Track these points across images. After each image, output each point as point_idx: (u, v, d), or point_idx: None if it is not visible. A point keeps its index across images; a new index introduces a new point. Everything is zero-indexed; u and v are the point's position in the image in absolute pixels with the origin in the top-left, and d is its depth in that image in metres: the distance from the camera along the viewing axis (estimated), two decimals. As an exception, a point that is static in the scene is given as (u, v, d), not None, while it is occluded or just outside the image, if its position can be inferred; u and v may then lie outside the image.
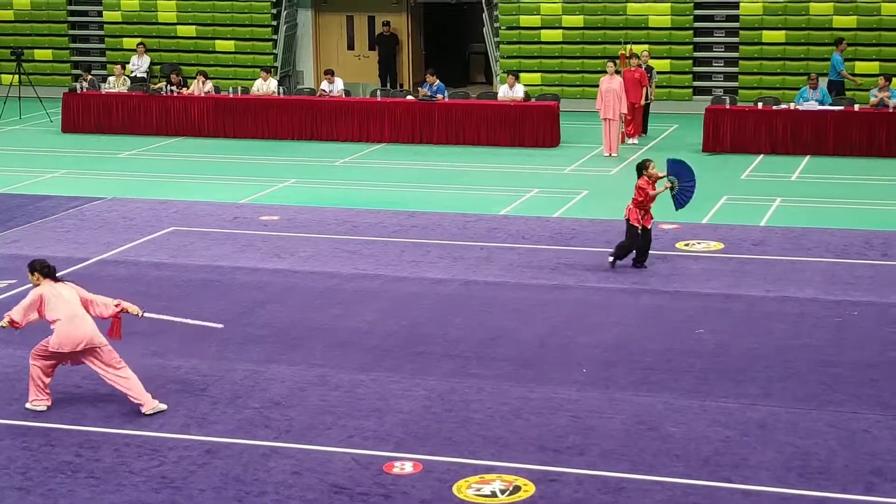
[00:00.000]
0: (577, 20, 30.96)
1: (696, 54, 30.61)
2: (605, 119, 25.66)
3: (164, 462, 11.17)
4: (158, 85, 29.52)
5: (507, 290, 16.30)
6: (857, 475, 10.74)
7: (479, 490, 10.58)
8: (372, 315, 15.29)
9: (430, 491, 10.56)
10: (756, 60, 29.94)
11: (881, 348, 13.90)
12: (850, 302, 15.55)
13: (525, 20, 31.29)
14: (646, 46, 29.45)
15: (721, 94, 28.21)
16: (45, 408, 12.34)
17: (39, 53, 34.70)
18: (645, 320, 15.00)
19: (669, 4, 30.44)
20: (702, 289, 16.18)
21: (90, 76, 30.24)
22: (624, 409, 12.26)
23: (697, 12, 30.50)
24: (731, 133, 25.72)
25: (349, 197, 22.05)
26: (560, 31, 31.11)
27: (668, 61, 30.37)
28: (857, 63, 28.54)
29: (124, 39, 33.75)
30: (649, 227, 16.99)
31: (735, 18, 30.27)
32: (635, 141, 26.88)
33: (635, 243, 16.93)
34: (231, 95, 28.48)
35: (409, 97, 28.02)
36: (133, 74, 31.72)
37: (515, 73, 27.80)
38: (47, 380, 12.34)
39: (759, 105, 25.90)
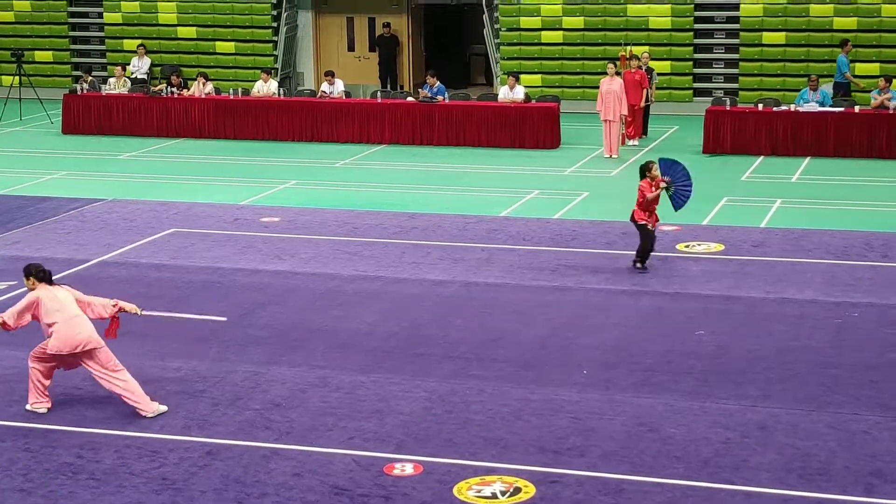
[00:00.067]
0: (578, 21, 30.97)
1: (697, 56, 30.61)
2: (605, 120, 25.66)
3: (164, 464, 11.17)
4: (159, 86, 29.53)
5: (508, 291, 16.30)
6: (857, 476, 10.75)
7: (479, 491, 10.58)
8: (372, 316, 15.30)
9: (430, 492, 10.56)
10: (756, 62, 29.94)
11: (881, 350, 13.91)
12: (850, 303, 15.56)
13: (525, 21, 31.29)
14: (646, 48, 29.46)
15: (721, 95, 28.21)
16: (45, 410, 12.35)
17: (40, 55, 34.70)
18: (645, 322, 15.00)
19: (670, 6, 30.45)
20: (702, 290, 16.19)
21: (91, 77, 30.24)
22: (624, 410, 12.27)
23: (698, 14, 30.50)
24: (731, 134, 25.72)
25: (350, 198, 22.06)
26: (560, 32, 31.11)
27: (668, 63, 30.37)
28: (857, 64, 28.52)
29: (125, 41, 33.76)
30: (652, 228, 16.94)
31: (735, 20, 30.27)
32: (635, 142, 26.88)
33: (651, 240, 16.85)
34: (231, 97, 28.48)
35: (410, 98, 28.03)
36: (133, 76, 31.75)
37: (516, 75, 27.80)
38: (46, 382, 12.36)
39: (760, 106, 25.90)
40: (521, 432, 11.77)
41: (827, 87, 27.38)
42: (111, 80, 30.23)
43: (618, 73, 26.10)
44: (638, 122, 27.11)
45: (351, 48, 33.86)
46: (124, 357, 12.80)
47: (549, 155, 26.07)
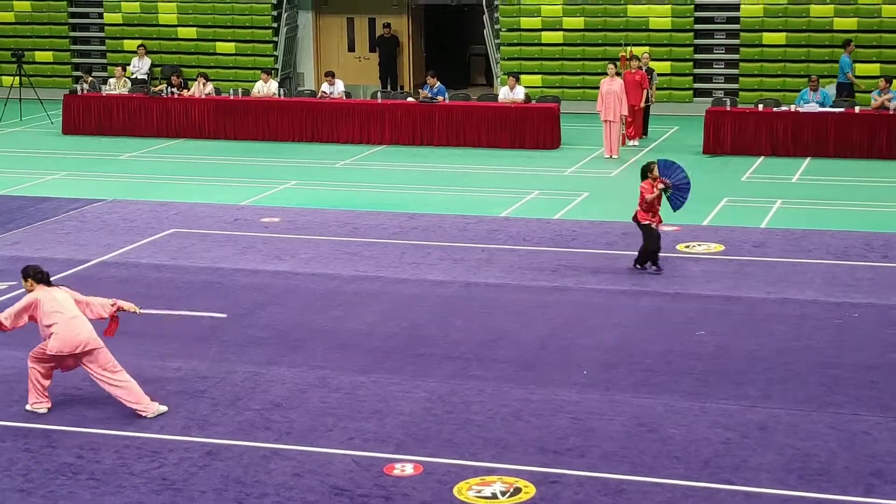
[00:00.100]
0: (578, 22, 30.97)
1: (697, 56, 30.62)
2: (605, 121, 25.66)
3: (164, 464, 11.17)
4: (159, 87, 29.54)
5: (508, 291, 16.30)
6: (858, 477, 10.74)
7: (479, 492, 10.58)
8: (372, 317, 15.29)
9: (430, 493, 10.56)
10: (756, 62, 29.94)
11: (881, 350, 13.90)
12: (850, 304, 15.55)
13: (525, 22, 31.30)
14: (646, 48, 29.47)
15: (721, 95, 28.21)
16: (45, 410, 12.35)
17: (40, 55, 34.72)
18: (645, 322, 15.00)
19: (670, 6, 30.45)
20: (702, 291, 16.18)
21: (91, 78, 30.24)
22: (624, 410, 12.26)
23: (698, 14, 30.51)
24: (731, 135, 25.72)
25: (350, 199, 22.05)
26: (561, 32, 31.12)
27: (668, 63, 30.37)
28: (857, 65, 28.49)
29: (125, 41, 33.77)
30: (656, 227, 16.90)
31: (735, 20, 30.28)
32: (636, 143, 26.88)
33: (655, 240, 16.82)
34: (232, 97, 28.48)
35: (410, 99, 28.03)
36: (134, 76, 31.76)
37: (516, 75, 27.80)
38: (46, 382, 12.35)
39: (760, 107, 25.90)
40: (521, 432, 11.76)
41: (830, 88, 27.41)
42: (111, 80, 30.24)
43: (618, 74, 26.10)
44: (638, 123, 27.11)
45: (351, 49, 33.86)
46: (124, 357, 12.81)
47: (550, 155, 26.07)
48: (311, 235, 19.27)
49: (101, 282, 16.58)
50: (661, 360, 13.66)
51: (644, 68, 27.20)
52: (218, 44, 33.24)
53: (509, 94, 27.18)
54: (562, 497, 10.45)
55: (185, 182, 23.79)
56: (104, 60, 34.20)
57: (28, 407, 12.38)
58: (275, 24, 32.95)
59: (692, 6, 30.40)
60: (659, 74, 28.78)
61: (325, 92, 28.35)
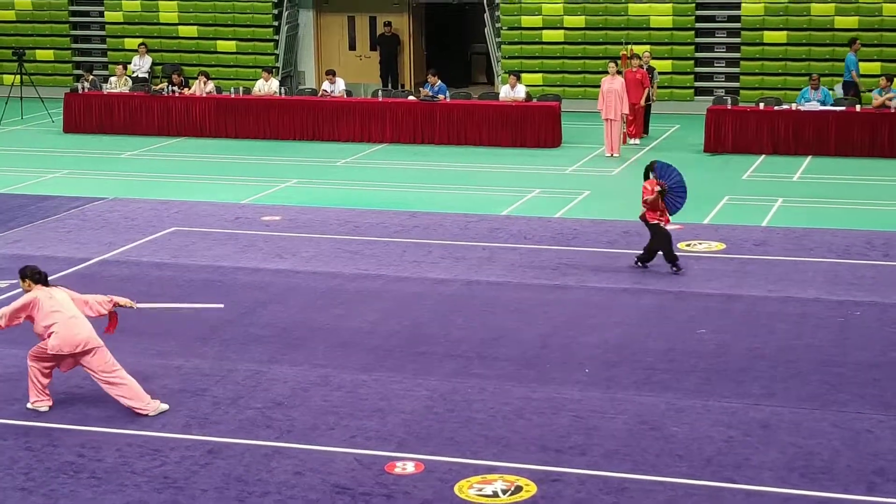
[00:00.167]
0: (579, 20, 30.97)
1: (698, 55, 30.62)
2: (606, 119, 25.65)
3: (166, 462, 11.16)
4: (160, 85, 29.53)
5: (509, 290, 16.29)
6: (860, 475, 10.73)
7: (480, 490, 10.57)
8: (374, 315, 15.29)
9: (431, 491, 10.55)
10: (757, 61, 29.94)
11: (884, 348, 13.89)
12: (852, 302, 15.55)
13: (526, 20, 31.29)
14: (647, 47, 29.46)
15: (722, 94, 28.21)
16: (46, 408, 12.34)
17: (41, 54, 34.72)
18: (647, 320, 14.99)
19: (671, 5, 30.45)
20: (703, 289, 16.17)
21: (92, 76, 30.25)
22: (626, 409, 12.25)
23: (699, 13, 30.51)
24: (732, 133, 25.72)
25: (351, 197, 22.05)
26: (562, 31, 31.12)
27: (669, 62, 30.37)
28: (858, 64, 28.48)
29: (126, 40, 33.77)
30: (665, 226, 16.85)
31: (736, 19, 30.27)
32: (637, 141, 26.88)
33: (664, 239, 16.77)
34: (232, 96, 28.49)
35: (411, 97, 28.02)
36: (135, 75, 31.76)
37: (517, 74, 27.80)
38: (45, 381, 12.35)
39: (761, 105, 25.90)
40: (523, 431, 11.76)
41: (837, 88, 27.42)
42: (112, 78, 30.25)
43: (619, 72, 26.10)
44: (639, 122, 27.10)
45: (352, 47, 33.86)
46: (125, 356, 12.81)
47: (551, 154, 26.06)
48: (312, 234, 19.26)
49: (103, 280, 16.58)
50: (663, 358, 13.65)
51: (645, 67, 27.20)
52: (219, 42, 33.25)
53: (510, 92, 27.17)
54: (563, 495, 10.44)
55: (186, 180, 23.79)
56: (105, 59, 34.20)
57: (29, 405, 12.38)
58: (276, 23, 32.95)
59: (693, 5, 30.40)
60: (660, 73, 28.78)
61: (325, 90, 28.34)
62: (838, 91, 27.25)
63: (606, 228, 19.33)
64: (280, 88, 28.75)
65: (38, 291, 12.20)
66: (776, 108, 25.81)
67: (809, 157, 25.08)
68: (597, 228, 19.40)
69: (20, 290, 12.44)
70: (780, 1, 29.80)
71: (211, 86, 28.84)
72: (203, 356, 13.87)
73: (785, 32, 29.79)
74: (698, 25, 30.54)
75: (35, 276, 12.28)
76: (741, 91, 29.67)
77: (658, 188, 16.70)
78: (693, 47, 30.55)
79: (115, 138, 28.30)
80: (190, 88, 29.02)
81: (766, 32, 29.92)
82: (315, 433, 11.76)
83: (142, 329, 14.41)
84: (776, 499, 10.35)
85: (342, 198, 22.00)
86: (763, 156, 25.29)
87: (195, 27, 33.39)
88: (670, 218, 16.92)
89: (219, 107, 28.29)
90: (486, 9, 31.81)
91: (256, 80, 29.56)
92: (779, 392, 12.63)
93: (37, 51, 34.57)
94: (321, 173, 24.37)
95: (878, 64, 28.71)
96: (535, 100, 27.63)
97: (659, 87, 28.61)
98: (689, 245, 18.20)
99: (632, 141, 26.80)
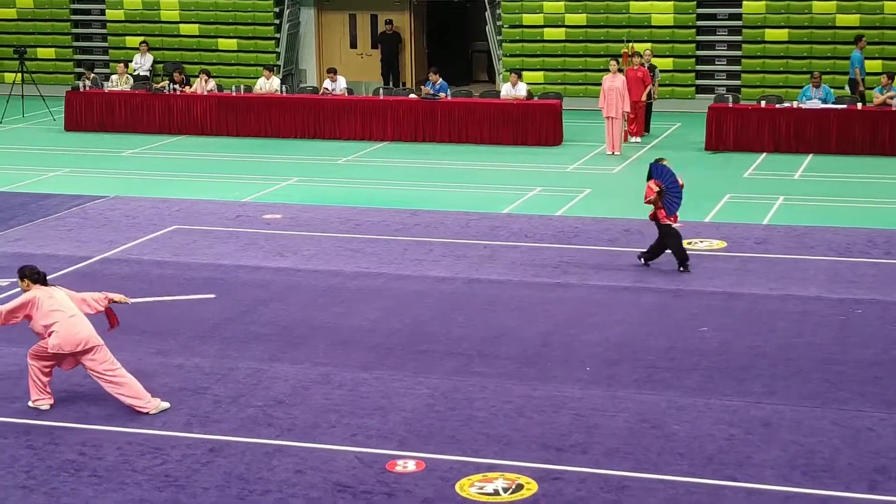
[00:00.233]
0: (580, 18, 30.95)
1: (699, 53, 30.60)
2: (607, 117, 25.64)
3: (167, 460, 11.16)
4: (161, 83, 29.53)
5: (510, 288, 16.29)
6: (862, 473, 10.73)
7: (481, 488, 10.57)
8: (375, 313, 15.28)
9: (432, 489, 10.55)
10: (759, 59, 29.93)
11: (885, 346, 13.89)
12: (853, 300, 15.54)
13: (528, 18, 31.28)
14: (648, 45, 29.44)
15: (724, 92, 28.20)
16: (48, 406, 12.34)
17: (42, 52, 34.71)
18: (648, 318, 14.99)
19: (672, 3, 30.43)
20: (705, 287, 16.17)
21: (93, 74, 30.23)
22: (627, 407, 12.25)
23: (700, 11, 30.48)
24: (733, 131, 25.70)
25: (352, 195, 22.05)
26: (563, 29, 31.10)
27: (670, 60, 30.36)
28: (864, 61, 28.44)
29: (127, 38, 33.76)
30: (677, 226, 16.83)
31: (738, 17, 30.26)
32: (638, 139, 26.87)
33: (675, 240, 16.75)
34: (234, 94, 28.48)
35: (412, 95, 28.01)
36: (136, 73, 31.75)
37: (518, 72, 27.79)
38: (46, 379, 12.36)
39: (762, 103, 25.88)
40: (524, 429, 11.75)
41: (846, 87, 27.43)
42: (113, 76, 30.25)
43: (620, 70, 26.09)
44: (640, 120, 27.09)
45: (353, 45, 33.85)
46: (126, 354, 12.82)
47: (552, 152, 26.05)
48: (313, 232, 19.26)
49: (104, 278, 16.58)
50: (664, 356, 13.64)
51: (646, 65, 27.19)
52: (220, 40, 33.24)
53: (511, 90, 27.16)
54: (564, 493, 10.44)
55: (188, 179, 23.79)
56: (106, 57, 34.19)
57: (30, 403, 12.38)
58: (277, 21, 32.94)
59: (694, 2, 30.38)
60: (661, 71, 28.77)
61: (327, 88, 28.33)
62: (848, 90, 27.19)
63: (607, 226, 19.33)
64: (281, 86, 28.74)
65: (37, 291, 12.20)
66: (777, 106, 25.80)
67: (811, 156, 25.07)
68: (598, 226, 19.40)
69: (20, 289, 12.44)
70: (782, -1, 29.82)
71: (212, 84, 28.84)
72: (204, 354, 13.87)
73: (786, 30, 29.77)
74: (699, 23, 30.52)
75: (34, 275, 12.29)
76: (742, 89, 29.65)
77: (656, 188, 16.70)
78: (694, 45, 30.53)
79: (117, 136, 28.30)
80: (191, 86, 29.02)
81: (767, 30, 29.90)
82: (316, 431, 11.76)
83: (143, 327, 14.41)
84: (777, 497, 10.35)
85: (343, 196, 21.99)
86: (764, 154, 25.28)
87: (196, 25, 33.38)
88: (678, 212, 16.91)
89: (220, 105, 28.29)
90: (488, 7, 31.80)
91: (258, 78, 29.55)
92: (780, 390, 12.62)
93: (38, 49, 34.56)
94: (322, 171, 24.37)
95: (880, 62, 28.69)
96: (536, 98, 27.62)
97: (660, 85, 28.60)
98: (690, 243, 18.17)
99: (633, 139, 26.79)
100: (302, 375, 13.21)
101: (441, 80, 27.55)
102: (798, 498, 10.33)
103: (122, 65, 30.56)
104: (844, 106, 25.47)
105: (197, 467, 11.02)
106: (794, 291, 15.90)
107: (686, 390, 12.65)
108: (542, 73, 31.05)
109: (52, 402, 12.39)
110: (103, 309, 12.55)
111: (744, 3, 30.05)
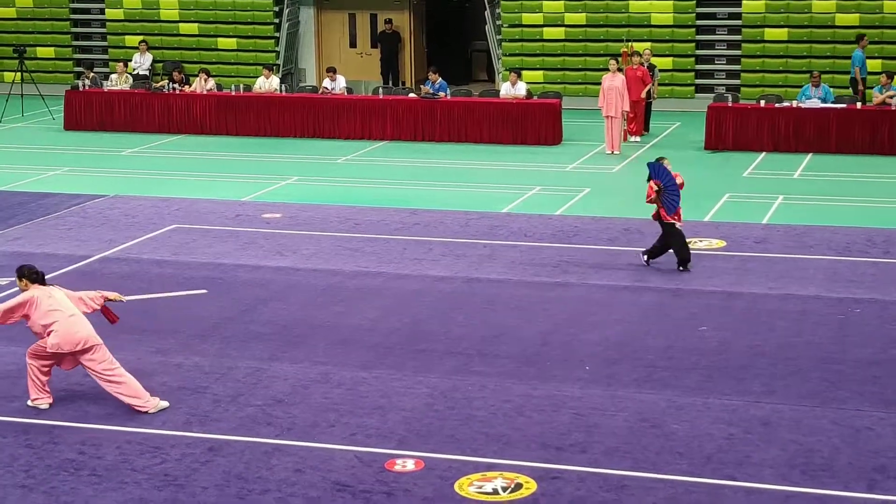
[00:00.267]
0: (580, 18, 30.95)
1: (699, 52, 30.60)
2: (607, 117, 25.64)
3: (166, 460, 11.16)
4: (161, 82, 29.53)
5: (510, 287, 16.29)
6: (861, 472, 10.73)
7: (480, 487, 10.57)
8: (374, 312, 15.28)
9: (432, 488, 10.55)
10: (758, 58, 29.93)
11: (884, 346, 13.89)
12: (852, 299, 15.54)
13: (527, 18, 31.28)
14: (648, 44, 29.45)
15: (723, 91, 28.21)
16: (47, 405, 12.34)
17: (42, 51, 34.71)
18: (647, 318, 14.99)
19: (672, 2, 30.43)
20: (704, 286, 16.17)
21: (92, 74, 30.23)
22: (627, 406, 12.25)
23: (700, 10, 30.48)
24: (733, 131, 25.70)
25: (351, 194, 22.05)
26: (562, 28, 31.10)
27: (670, 59, 30.36)
28: (866, 60, 28.45)
29: (126, 37, 33.76)
30: (681, 226, 16.82)
31: (737, 16, 30.26)
32: (637, 139, 26.87)
33: (679, 240, 16.74)
34: (233, 93, 28.48)
35: (412, 95, 28.01)
36: (135, 72, 31.75)
37: (517, 71, 27.79)
38: (45, 378, 12.36)
39: (762, 103, 25.88)
40: (523, 428, 11.75)
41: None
42: (113, 76, 30.24)
43: (620, 70, 26.09)
44: (640, 119, 27.09)
45: (353, 44, 33.85)
46: (125, 353, 12.82)
47: (551, 151, 26.05)
48: (312, 231, 19.26)
49: (103, 277, 16.57)
50: (664, 355, 13.64)
51: (646, 64, 27.19)
52: (219, 39, 33.24)
53: (511, 89, 27.16)
54: (563, 493, 10.44)
55: (187, 178, 23.78)
56: (106, 56, 34.19)
57: (30, 403, 12.38)
58: (276, 20, 32.94)
59: (694, 2, 30.38)
60: (661, 70, 28.76)
61: (326, 88, 28.33)
62: (851, 89, 27.19)
63: (607, 226, 19.33)
64: (281, 86, 28.74)
65: (36, 290, 12.20)
66: (777, 105, 25.80)
67: (810, 155, 25.07)
68: (597, 226, 19.40)
69: (18, 288, 12.44)
70: (781, -2, 29.82)
71: (212, 83, 28.84)
72: (203, 353, 13.87)
73: (786, 29, 29.77)
74: (699, 22, 30.52)
75: (32, 275, 12.29)
76: (742, 88, 29.65)
77: (655, 187, 16.71)
78: (694, 44, 30.53)
79: (116, 136, 28.29)
80: (191, 86, 29.01)
81: (766, 29, 29.90)
82: (315, 431, 11.76)
83: (142, 326, 14.41)
84: (777, 496, 10.35)
85: (343, 195, 21.99)
86: (764, 153, 25.28)
87: (196, 24, 33.38)
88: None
89: (219, 104, 28.29)
90: (487, 6, 31.80)
91: (257, 77, 29.55)
92: (779, 389, 12.63)
93: (37, 48, 34.56)
94: (322, 170, 24.37)
95: (879, 61, 28.69)
96: (535, 97, 27.62)
97: (660, 85, 28.60)
98: (689, 242, 18.17)
99: (632, 138, 26.79)
100: (301, 374, 13.21)
101: (440, 79, 27.55)
102: (797, 497, 10.33)
103: (121, 64, 30.56)
104: (844, 105, 25.48)
105: (196, 466, 11.02)
106: (794, 291, 15.91)
107: (685, 389, 12.66)
108: (541, 72, 31.06)
109: (51, 401, 12.39)
110: (98, 307, 12.56)
111: (743, 2, 30.05)
